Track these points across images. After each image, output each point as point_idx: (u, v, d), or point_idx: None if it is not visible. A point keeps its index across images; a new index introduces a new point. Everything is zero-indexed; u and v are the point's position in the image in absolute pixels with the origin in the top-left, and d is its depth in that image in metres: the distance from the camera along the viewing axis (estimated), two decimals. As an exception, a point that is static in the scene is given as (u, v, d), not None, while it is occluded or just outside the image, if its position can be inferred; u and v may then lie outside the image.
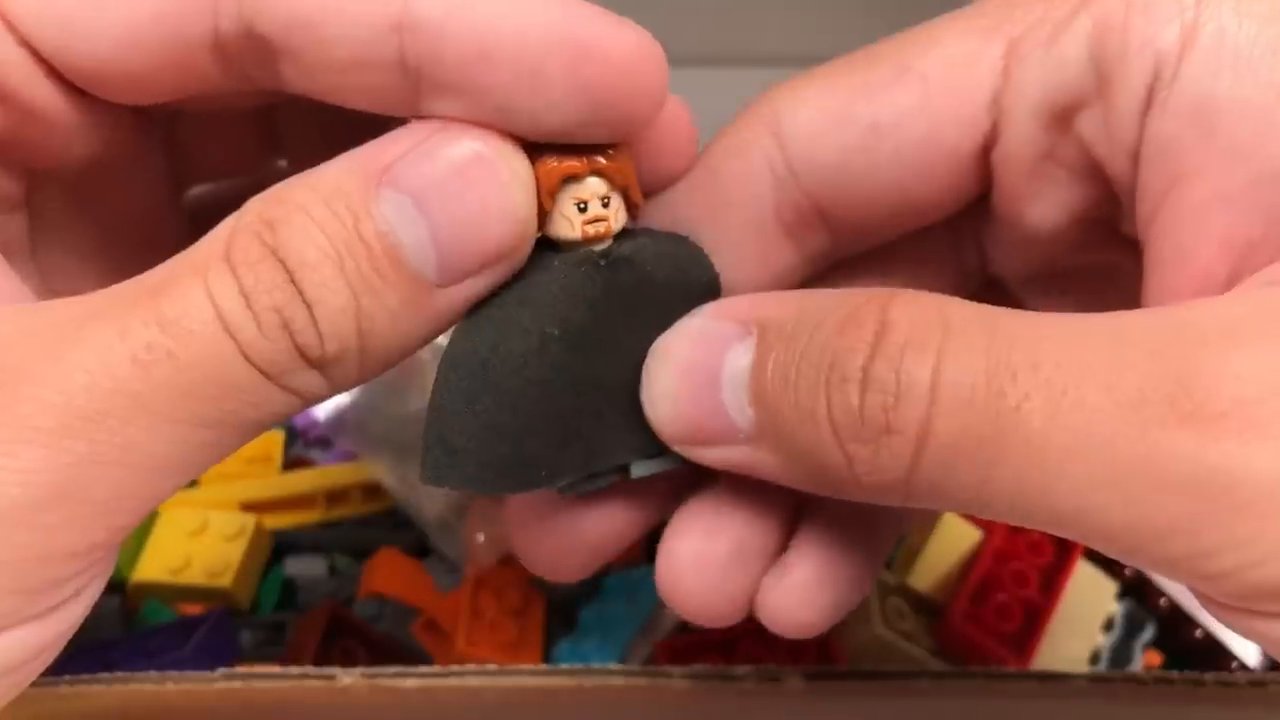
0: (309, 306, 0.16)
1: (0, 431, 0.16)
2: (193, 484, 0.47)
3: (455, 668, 0.29)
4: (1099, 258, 0.21)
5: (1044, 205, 0.20)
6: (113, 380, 0.16)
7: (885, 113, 0.19)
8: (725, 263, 0.21)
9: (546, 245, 0.19)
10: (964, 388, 0.15)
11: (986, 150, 0.20)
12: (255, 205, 0.17)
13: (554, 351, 0.19)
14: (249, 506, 0.45)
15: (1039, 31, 0.18)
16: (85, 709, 0.31)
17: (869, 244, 0.22)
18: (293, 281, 0.16)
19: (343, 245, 0.16)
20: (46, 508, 0.16)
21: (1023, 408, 0.15)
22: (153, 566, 0.43)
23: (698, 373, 0.18)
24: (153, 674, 0.31)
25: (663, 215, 0.21)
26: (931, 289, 0.21)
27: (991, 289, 0.23)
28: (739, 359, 0.18)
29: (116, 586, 0.44)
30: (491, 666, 0.29)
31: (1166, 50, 0.17)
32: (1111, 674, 0.28)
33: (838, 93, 0.20)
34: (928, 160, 0.19)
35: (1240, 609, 0.15)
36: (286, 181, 0.17)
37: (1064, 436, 0.15)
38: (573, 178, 0.18)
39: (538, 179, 0.18)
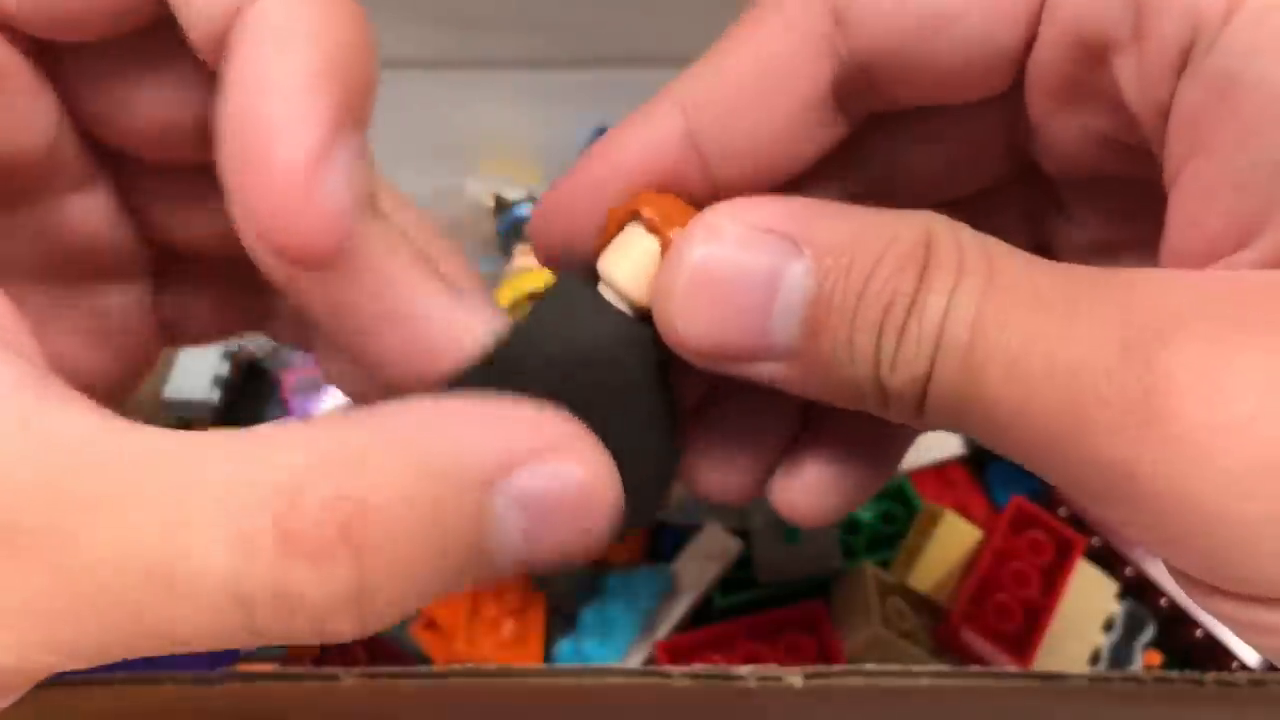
0: (359, 598, 0.14)
1: None
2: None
3: (455, 668, 0.29)
4: (1135, 173, 0.20)
5: (1071, 126, 0.20)
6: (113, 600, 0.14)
7: (944, 3, 0.19)
8: (771, 143, 0.20)
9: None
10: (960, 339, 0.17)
11: (1028, 52, 0.19)
12: (334, 476, 0.14)
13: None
14: (249, 507, 0.45)
15: None
16: (85, 709, 0.31)
17: (906, 107, 0.21)
18: (360, 576, 0.14)
19: (437, 544, 0.15)
20: None
21: (988, 370, 0.16)
22: (153, 567, 0.43)
23: (747, 294, 0.17)
24: (153, 674, 0.31)
25: (709, 94, 0.20)
26: (975, 158, 0.22)
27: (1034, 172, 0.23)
28: (795, 284, 0.17)
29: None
30: (491, 666, 0.29)
31: (1208, 15, 0.17)
32: (1111, 674, 0.28)
33: None
34: (975, 54, 0.19)
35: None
36: (362, 426, 0.15)
37: (1017, 389, 0.16)
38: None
39: None
